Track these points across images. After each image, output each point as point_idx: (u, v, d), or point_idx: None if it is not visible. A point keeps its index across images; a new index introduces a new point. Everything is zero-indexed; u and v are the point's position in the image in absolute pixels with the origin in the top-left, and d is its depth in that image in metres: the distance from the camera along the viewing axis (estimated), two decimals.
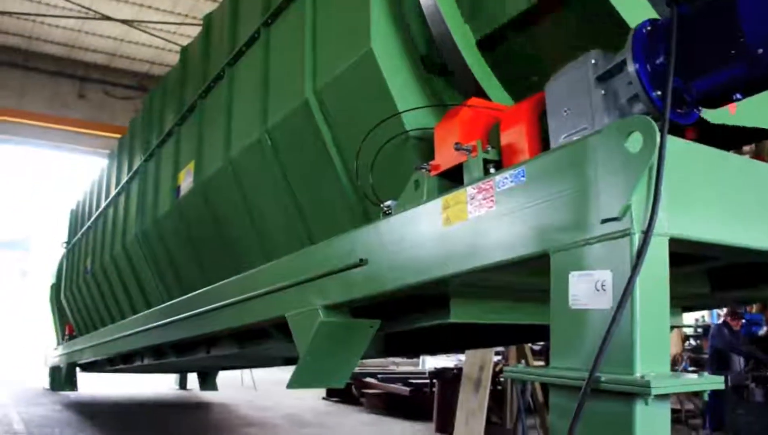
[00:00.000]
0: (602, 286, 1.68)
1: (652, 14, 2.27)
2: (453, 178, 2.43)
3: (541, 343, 8.54)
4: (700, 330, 13.53)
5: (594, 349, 1.63)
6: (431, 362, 15.56)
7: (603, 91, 1.96)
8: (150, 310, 5.98)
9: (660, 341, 1.66)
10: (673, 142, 1.72)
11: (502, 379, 8.58)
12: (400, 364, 15.21)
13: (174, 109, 5.69)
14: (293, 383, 3.11)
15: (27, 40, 17.52)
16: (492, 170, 2.26)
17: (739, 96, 1.92)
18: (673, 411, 8.60)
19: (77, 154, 19.17)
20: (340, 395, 11.57)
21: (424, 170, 2.54)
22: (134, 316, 6.58)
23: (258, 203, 4.20)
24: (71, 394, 11.62)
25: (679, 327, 12.18)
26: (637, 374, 1.57)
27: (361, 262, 2.61)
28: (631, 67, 1.89)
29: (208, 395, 12.10)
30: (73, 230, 10.76)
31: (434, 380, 9.54)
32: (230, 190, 4.38)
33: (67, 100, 18.35)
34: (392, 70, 2.84)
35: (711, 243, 1.85)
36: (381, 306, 2.93)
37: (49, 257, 14.73)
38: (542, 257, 1.88)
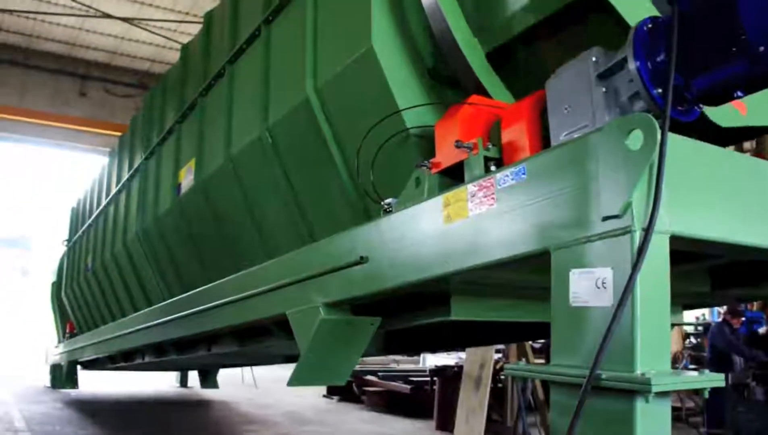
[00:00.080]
0: (603, 283, 1.68)
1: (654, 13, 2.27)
2: (454, 176, 2.43)
3: (542, 340, 8.55)
4: (700, 328, 13.55)
5: (595, 347, 1.63)
6: (432, 360, 15.58)
7: (604, 89, 1.96)
8: (151, 308, 5.99)
9: (661, 339, 1.66)
10: (674, 140, 1.72)
11: (502, 377, 8.59)
12: (400, 362, 15.24)
13: (175, 107, 5.69)
14: (294, 381, 3.11)
15: (28, 38, 17.53)
16: (493, 168, 2.26)
17: (740, 93, 1.92)
18: (674, 409, 8.61)
19: (78, 152, 19.19)
20: (340, 393, 11.58)
21: (424, 168, 2.54)
22: (135, 314, 6.59)
23: (259, 201, 4.20)
24: (72, 392, 11.64)
25: (680, 325, 12.20)
26: (638, 372, 1.57)
27: (362, 260, 2.61)
28: (632, 65, 1.89)
29: (208, 393, 12.11)
30: (73, 228, 10.77)
31: (435, 378, 9.55)
32: (231, 188, 4.38)
33: (68, 98, 18.36)
34: (393, 68, 2.84)
35: (712, 241, 1.85)
36: (382, 303, 2.93)
37: (49, 255, 14.75)
38: (543, 255, 1.88)
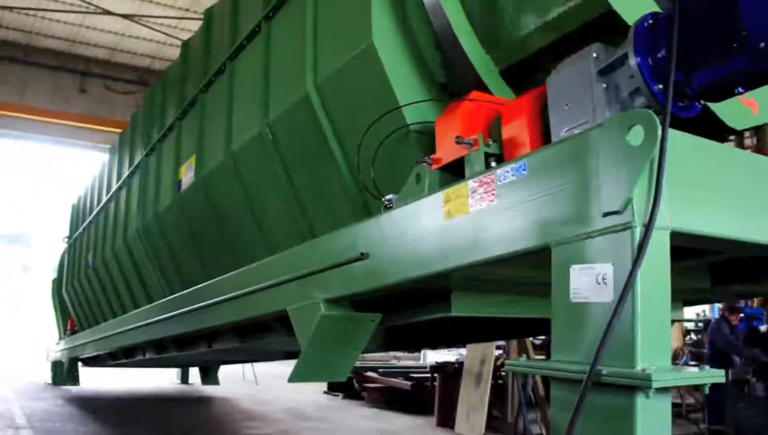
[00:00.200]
0: (603, 279, 1.68)
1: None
2: (454, 172, 2.43)
3: (542, 337, 8.55)
4: (701, 324, 13.55)
5: (595, 343, 1.63)
6: (432, 356, 15.61)
7: (604, 85, 1.96)
8: (151, 305, 5.99)
9: (661, 335, 1.66)
10: (675, 136, 1.72)
11: (503, 373, 8.59)
12: (401, 358, 15.26)
13: (175, 104, 5.69)
14: (294, 377, 3.11)
15: (28, 35, 17.50)
16: (493, 164, 2.25)
17: (740, 90, 1.92)
18: (674, 405, 8.61)
19: (78, 148, 19.16)
20: (341, 389, 11.60)
21: (425, 164, 2.54)
22: (136, 311, 6.59)
23: (259, 197, 4.20)
24: (73, 389, 11.66)
25: (680, 321, 12.19)
26: (638, 368, 1.57)
27: (363, 256, 2.61)
28: (633, 61, 1.88)
29: (209, 389, 12.13)
30: (74, 225, 10.77)
31: (435, 374, 9.56)
32: (231, 184, 4.38)
33: (68, 94, 18.34)
34: (393, 64, 2.84)
35: (712, 237, 1.85)
36: (382, 300, 2.93)
37: (50, 252, 14.74)
38: (543, 251, 1.88)
